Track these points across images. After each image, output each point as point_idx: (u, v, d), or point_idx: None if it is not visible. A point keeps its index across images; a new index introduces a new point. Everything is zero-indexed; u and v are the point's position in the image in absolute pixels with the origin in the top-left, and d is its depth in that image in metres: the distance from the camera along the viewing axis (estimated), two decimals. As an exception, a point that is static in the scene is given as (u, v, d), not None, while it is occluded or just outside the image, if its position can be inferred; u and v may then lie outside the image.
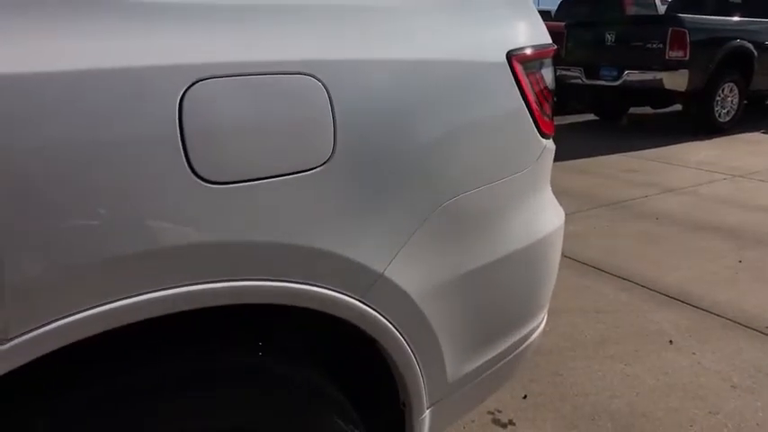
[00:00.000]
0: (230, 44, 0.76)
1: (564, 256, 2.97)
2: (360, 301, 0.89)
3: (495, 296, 1.15)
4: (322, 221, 0.83)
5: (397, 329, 0.95)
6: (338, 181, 0.84)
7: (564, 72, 6.79)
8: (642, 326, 2.27)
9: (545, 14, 9.76)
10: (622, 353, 2.08)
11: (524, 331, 1.25)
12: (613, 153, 5.49)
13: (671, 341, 2.15)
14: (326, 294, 0.86)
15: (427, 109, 0.95)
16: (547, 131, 1.18)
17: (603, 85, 6.48)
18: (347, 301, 0.88)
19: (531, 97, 1.11)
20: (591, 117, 7.69)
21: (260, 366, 0.86)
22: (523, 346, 1.26)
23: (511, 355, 1.23)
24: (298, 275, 0.83)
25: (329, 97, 0.82)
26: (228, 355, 0.85)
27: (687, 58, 5.85)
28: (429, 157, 0.95)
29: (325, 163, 0.82)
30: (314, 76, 0.81)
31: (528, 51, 1.12)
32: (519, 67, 1.08)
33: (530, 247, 1.19)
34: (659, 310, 2.39)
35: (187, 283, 0.72)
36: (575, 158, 5.29)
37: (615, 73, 6.26)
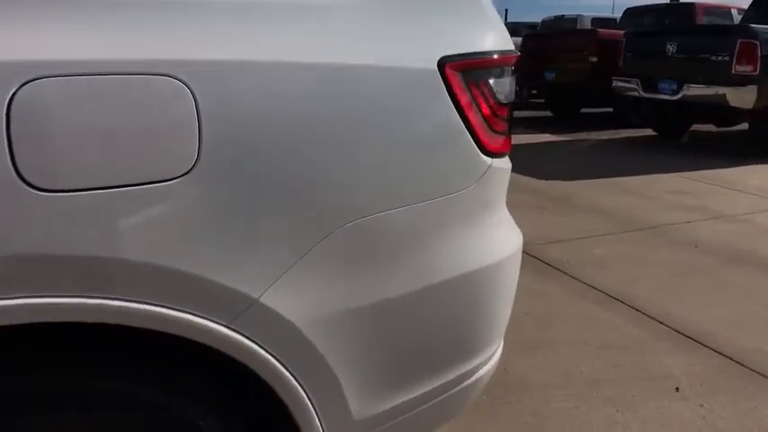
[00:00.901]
0: (74, 41, 0.69)
1: (578, 280, 2.75)
2: (229, 328, 0.79)
3: (418, 330, 1.01)
4: (177, 238, 0.74)
5: (280, 362, 0.84)
6: (201, 194, 0.75)
7: (620, 83, 6.44)
8: (648, 368, 2.03)
9: (609, 21, 9.34)
10: (618, 396, 1.86)
11: (463, 369, 1.10)
12: (664, 172, 5.12)
13: (677, 388, 1.91)
14: (184, 318, 0.76)
15: (323, 119, 0.83)
16: (494, 149, 1.03)
17: (662, 99, 6.09)
18: (212, 328, 0.78)
19: (471, 111, 0.97)
20: (649, 132, 7.26)
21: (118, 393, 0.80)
22: (464, 384, 1.12)
23: (445, 394, 1.09)
24: (147, 296, 0.74)
25: (195, 101, 0.74)
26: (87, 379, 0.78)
27: (757, 72, 5.39)
28: (325, 172, 0.84)
29: (186, 174, 0.74)
30: (176, 78, 0.73)
31: (471, 59, 0.98)
32: (455, 77, 0.95)
33: (465, 277, 1.04)
34: (672, 352, 2.14)
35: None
36: (619, 175, 4.97)
37: (674, 86, 5.86)
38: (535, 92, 10.33)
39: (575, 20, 10.14)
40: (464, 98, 0.95)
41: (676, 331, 2.29)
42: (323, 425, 0.91)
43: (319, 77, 0.82)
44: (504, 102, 1.04)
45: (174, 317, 0.75)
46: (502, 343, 1.25)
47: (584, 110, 9.24)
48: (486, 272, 1.07)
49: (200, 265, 0.76)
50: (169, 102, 0.72)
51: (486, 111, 0.99)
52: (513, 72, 1.10)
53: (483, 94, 0.99)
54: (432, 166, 0.96)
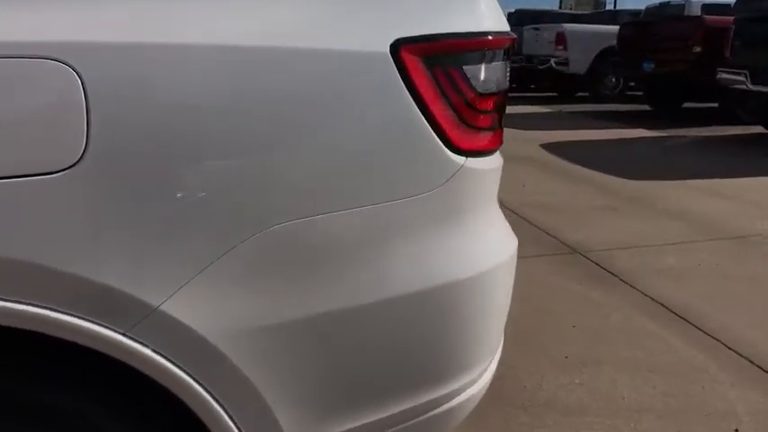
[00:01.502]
0: None
1: (641, 292, 2.48)
2: (125, 336, 0.72)
3: (372, 349, 0.89)
4: (61, 236, 0.69)
5: (191, 375, 0.76)
6: (89, 190, 0.69)
7: (725, 75, 5.83)
8: (706, 401, 1.77)
9: (723, 8, 8.50)
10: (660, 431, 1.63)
11: (436, 393, 0.97)
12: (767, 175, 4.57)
13: (736, 430, 1.64)
14: (68, 322, 0.70)
15: (238, 110, 0.73)
16: (469, 147, 0.88)
17: (772, 93, 5.44)
18: (105, 335, 0.72)
19: (436, 103, 0.83)
20: (759, 130, 6.54)
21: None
22: (439, 410, 0.99)
23: (414, 420, 0.97)
24: (26, 295, 0.68)
25: (83, 88, 0.67)
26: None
27: None
28: (241, 169, 0.74)
29: (71, 167, 0.67)
30: (62, 62, 0.67)
31: (435, 42, 0.84)
32: (415, 62, 0.81)
33: (431, 292, 0.90)
34: (738, 385, 1.85)
35: None
36: (715, 177, 4.49)
37: (789, 79, 5.20)
38: (633, 84, 9.64)
39: (682, 6, 9.29)
40: (425, 87, 0.81)
41: (748, 360, 1.99)
42: None
43: (235, 63, 0.73)
44: (487, 92, 0.89)
45: (55, 319, 0.69)
46: (496, 360, 1.10)
47: (687, 104, 8.51)
48: (462, 286, 0.92)
49: (90, 268, 0.69)
50: (51, 88, 0.66)
51: (457, 103, 0.85)
52: (506, 57, 0.94)
53: (454, 82, 0.85)
54: (384, 164, 0.83)
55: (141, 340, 0.72)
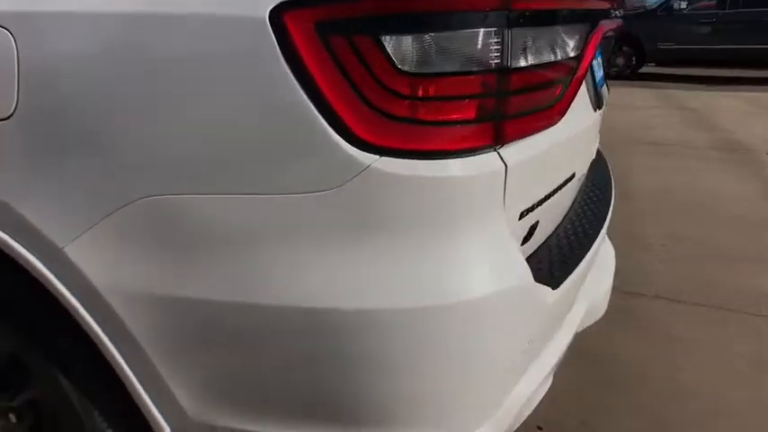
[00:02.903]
0: None
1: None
2: (45, 265, 0.82)
3: (247, 354, 0.82)
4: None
5: (91, 315, 0.82)
6: (17, 141, 0.80)
7: None
8: None
9: None
10: None
11: None
12: None
13: None
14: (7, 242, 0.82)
15: (121, 77, 0.75)
16: (380, 142, 0.72)
17: None
18: (28, 258, 0.82)
19: (329, 79, 0.70)
20: None
21: None
22: None
23: None
24: None
25: (16, 49, 0.78)
26: None
27: None
28: (123, 136, 0.77)
29: (6, 119, 0.79)
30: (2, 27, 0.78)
31: (333, 4, 0.70)
32: (302, 30, 0.69)
33: (308, 314, 0.76)
34: None
35: None
36: None
37: None
38: None
39: None
40: (314, 60, 0.69)
41: None
42: (151, 397, 0.85)
43: (113, 29, 0.75)
44: (420, 71, 0.70)
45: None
46: None
47: None
48: (357, 318, 0.75)
49: (22, 204, 0.79)
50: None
51: (365, 82, 0.69)
52: (520, 22, 0.74)
53: (361, 57, 0.69)
54: (263, 150, 0.73)
55: (56, 273, 0.80)
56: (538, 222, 0.96)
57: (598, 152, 1.60)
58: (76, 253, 0.78)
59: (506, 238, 0.82)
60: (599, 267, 1.30)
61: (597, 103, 1.19)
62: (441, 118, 0.73)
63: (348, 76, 0.69)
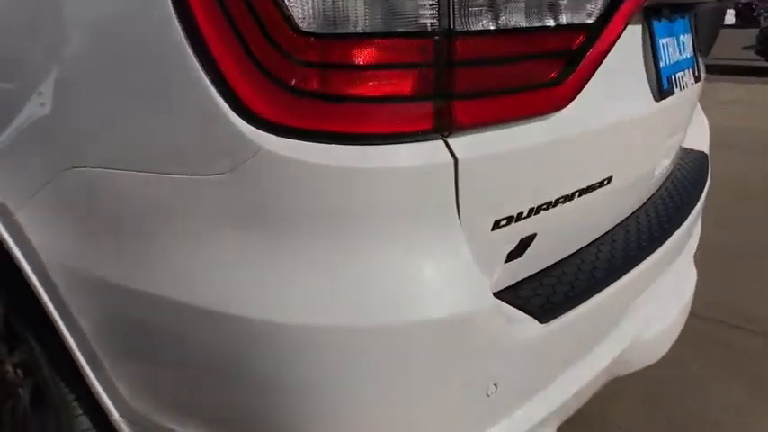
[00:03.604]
0: None
1: None
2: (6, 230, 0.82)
3: (163, 351, 0.75)
4: None
5: (42, 287, 0.81)
6: None
7: None
8: None
9: None
10: None
11: None
12: None
13: None
14: None
15: (46, 37, 0.73)
16: (280, 119, 0.59)
17: None
18: None
19: (215, 31, 0.58)
20: None
21: None
22: None
23: None
24: None
25: None
26: None
27: None
28: (49, 99, 0.73)
29: None
30: None
31: None
32: None
33: (213, 317, 0.66)
34: None
35: None
36: None
37: None
38: None
39: None
40: (205, 17, 0.57)
41: None
42: (96, 378, 0.82)
43: None
44: (329, 31, 0.56)
45: None
46: None
47: None
48: (257, 326, 0.63)
49: None
50: None
51: (258, 45, 0.57)
52: None
53: (254, 10, 0.56)
54: (165, 123, 0.64)
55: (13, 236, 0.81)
56: (535, 235, 0.77)
57: (698, 154, 1.30)
58: (27, 221, 0.79)
59: (456, 250, 0.65)
60: (663, 296, 1.04)
61: (660, 90, 0.92)
62: (358, 92, 0.58)
63: (240, 35, 0.57)
